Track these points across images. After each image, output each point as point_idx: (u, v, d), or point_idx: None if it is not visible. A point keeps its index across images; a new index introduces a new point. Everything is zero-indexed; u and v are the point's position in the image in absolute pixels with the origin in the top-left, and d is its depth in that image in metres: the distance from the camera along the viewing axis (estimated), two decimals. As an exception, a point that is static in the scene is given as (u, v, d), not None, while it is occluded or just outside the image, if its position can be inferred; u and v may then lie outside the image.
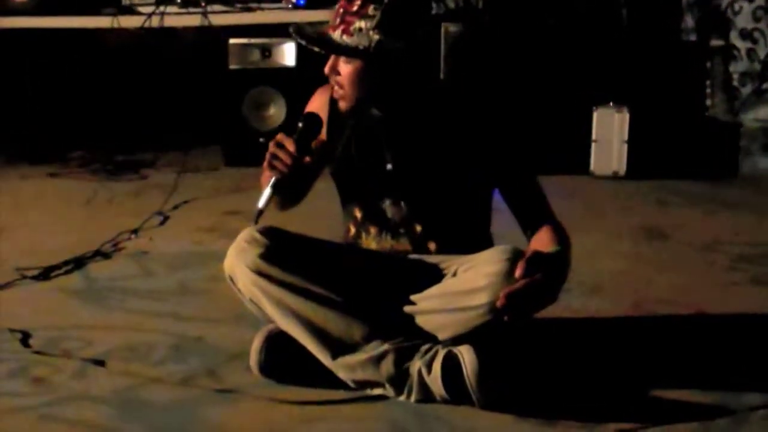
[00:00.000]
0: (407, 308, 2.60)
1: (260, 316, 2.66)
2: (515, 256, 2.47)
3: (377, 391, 2.55)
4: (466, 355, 2.45)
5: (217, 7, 5.74)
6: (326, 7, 5.57)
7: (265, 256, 2.56)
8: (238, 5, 5.79)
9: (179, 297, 3.42)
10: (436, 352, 2.51)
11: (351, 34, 2.51)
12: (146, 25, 5.61)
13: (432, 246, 2.72)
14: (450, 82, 4.94)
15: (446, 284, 2.59)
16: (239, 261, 2.59)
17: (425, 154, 2.67)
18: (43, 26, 5.74)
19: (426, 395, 2.50)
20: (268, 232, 2.61)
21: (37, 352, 2.88)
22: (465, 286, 2.51)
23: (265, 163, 2.57)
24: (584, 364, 2.83)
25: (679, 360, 2.86)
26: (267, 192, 2.56)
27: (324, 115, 2.75)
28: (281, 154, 2.55)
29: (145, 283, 3.59)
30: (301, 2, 5.74)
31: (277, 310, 2.58)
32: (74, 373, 2.74)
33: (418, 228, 2.72)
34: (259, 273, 2.56)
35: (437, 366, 2.48)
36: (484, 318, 2.46)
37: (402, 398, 2.53)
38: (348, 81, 2.57)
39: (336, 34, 2.53)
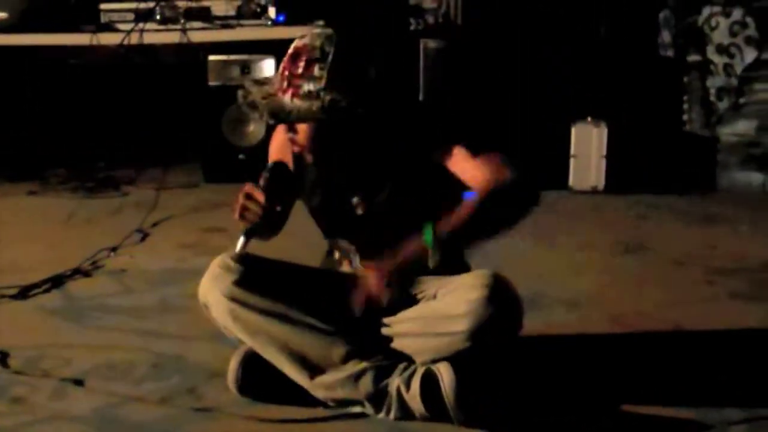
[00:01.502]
0: (385, 330, 2.60)
1: (236, 341, 2.66)
2: (495, 282, 2.48)
3: (357, 409, 2.55)
4: (444, 372, 2.46)
5: (196, 24, 5.76)
6: (305, 23, 5.60)
7: (240, 283, 2.56)
8: (217, 22, 5.81)
9: (159, 314, 3.41)
10: (415, 370, 2.51)
11: (301, 98, 2.42)
12: (125, 42, 5.63)
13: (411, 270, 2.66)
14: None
15: (425, 308, 2.59)
16: (213, 288, 2.58)
17: (393, 193, 2.65)
18: (21, 44, 5.75)
19: (405, 413, 2.50)
20: (242, 259, 2.60)
21: (17, 372, 2.87)
22: (444, 312, 2.51)
23: (236, 215, 2.55)
24: (562, 379, 2.84)
25: (656, 375, 2.87)
26: (241, 240, 2.55)
27: (289, 150, 2.68)
28: (251, 206, 2.52)
29: (125, 300, 3.59)
30: (281, 18, 5.76)
31: (252, 336, 2.58)
32: (53, 393, 2.73)
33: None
34: (234, 300, 2.56)
35: (416, 384, 2.49)
36: (463, 345, 2.47)
37: (381, 416, 2.53)
38: (306, 139, 2.52)
39: (286, 98, 2.44)
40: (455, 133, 2.59)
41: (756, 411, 2.58)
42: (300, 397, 2.58)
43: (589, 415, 2.59)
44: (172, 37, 5.72)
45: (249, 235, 2.56)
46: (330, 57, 2.42)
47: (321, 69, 2.41)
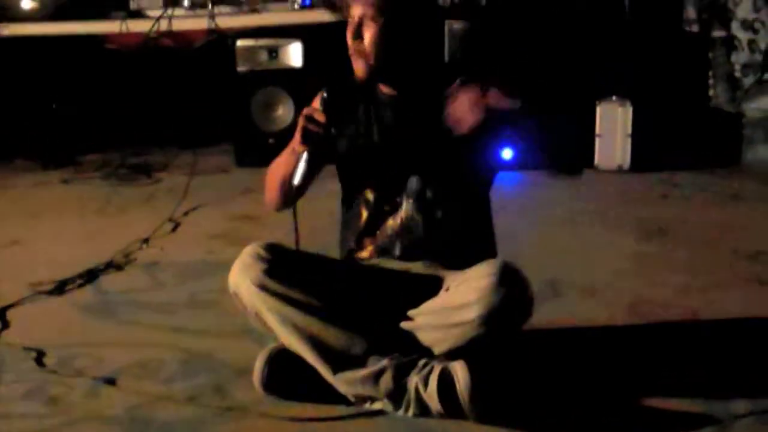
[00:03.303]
0: (404, 324, 2.69)
1: (264, 331, 2.75)
2: (504, 268, 2.57)
3: (377, 406, 2.64)
4: (459, 371, 2.54)
5: (223, 9, 5.84)
6: (332, 7, 5.65)
7: (269, 272, 2.65)
8: (244, 7, 5.88)
9: (189, 310, 3.50)
10: (432, 368, 2.59)
11: None
12: (154, 28, 5.72)
13: (439, 213, 2.80)
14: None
15: (439, 300, 2.68)
16: (244, 276, 2.68)
17: (437, 131, 2.72)
18: (52, 33, 5.85)
19: (423, 410, 2.59)
20: (272, 249, 2.70)
21: (52, 372, 2.97)
22: (456, 301, 2.61)
23: (298, 137, 2.66)
24: (575, 371, 2.90)
25: (669, 366, 2.93)
26: (302, 166, 2.66)
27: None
28: (313, 127, 2.65)
29: (156, 295, 3.68)
30: (307, 2, 5.81)
31: (280, 325, 2.67)
32: (87, 392, 2.82)
33: (429, 195, 2.80)
34: (263, 288, 2.65)
35: (433, 382, 2.57)
36: (476, 332, 2.56)
37: (400, 413, 2.61)
38: (372, 42, 2.68)
39: None
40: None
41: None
42: (323, 395, 2.66)
43: (599, 409, 2.66)
44: (200, 22, 5.81)
45: (311, 158, 2.66)
46: None
47: None
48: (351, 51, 2.73)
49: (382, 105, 2.84)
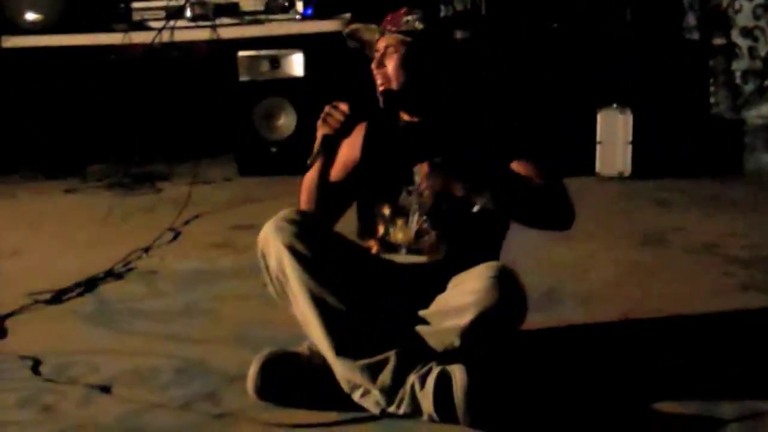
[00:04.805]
0: (410, 323, 2.71)
1: (278, 298, 2.77)
2: (501, 271, 2.62)
3: (367, 400, 2.64)
4: (457, 374, 2.55)
5: (225, 20, 5.86)
6: (333, 16, 5.69)
7: (301, 237, 2.69)
8: (246, 18, 5.90)
9: (185, 318, 3.52)
10: (431, 368, 2.60)
11: (399, 27, 2.86)
12: (157, 40, 5.75)
13: (453, 227, 2.84)
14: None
15: (438, 302, 2.72)
16: (275, 237, 2.71)
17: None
18: (55, 44, 5.88)
19: (415, 409, 2.59)
20: (305, 216, 2.78)
21: (47, 380, 2.99)
22: (454, 303, 2.65)
23: (319, 121, 2.82)
24: (571, 377, 2.91)
25: (662, 371, 2.93)
26: (318, 147, 2.82)
27: (359, 140, 2.98)
28: (335, 113, 2.81)
29: (153, 304, 3.70)
30: (308, 12, 5.83)
31: (299, 289, 2.68)
32: (81, 401, 2.83)
33: (444, 210, 2.83)
34: (292, 250, 2.68)
35: (430, 382, 2.57)
36: (472, 333, 2.59)
37: (391, 409, 2.61)
38: (394, 69, 2.84)
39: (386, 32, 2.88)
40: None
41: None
42: (316, 401, 2.68)
43: (592, 414, 2.66)
44: (202, 33, 5.83)
45: (326, 141, 2.82)
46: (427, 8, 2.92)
47: (419, 10, 2.88)
48: (376, 80, 2.88)
49: (403, 130, 2.93)
